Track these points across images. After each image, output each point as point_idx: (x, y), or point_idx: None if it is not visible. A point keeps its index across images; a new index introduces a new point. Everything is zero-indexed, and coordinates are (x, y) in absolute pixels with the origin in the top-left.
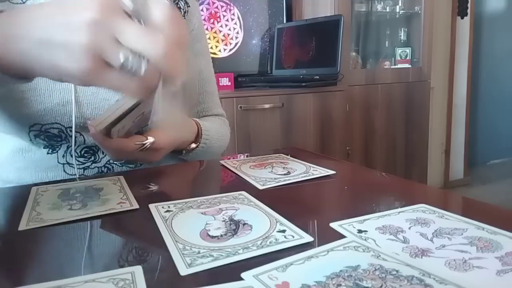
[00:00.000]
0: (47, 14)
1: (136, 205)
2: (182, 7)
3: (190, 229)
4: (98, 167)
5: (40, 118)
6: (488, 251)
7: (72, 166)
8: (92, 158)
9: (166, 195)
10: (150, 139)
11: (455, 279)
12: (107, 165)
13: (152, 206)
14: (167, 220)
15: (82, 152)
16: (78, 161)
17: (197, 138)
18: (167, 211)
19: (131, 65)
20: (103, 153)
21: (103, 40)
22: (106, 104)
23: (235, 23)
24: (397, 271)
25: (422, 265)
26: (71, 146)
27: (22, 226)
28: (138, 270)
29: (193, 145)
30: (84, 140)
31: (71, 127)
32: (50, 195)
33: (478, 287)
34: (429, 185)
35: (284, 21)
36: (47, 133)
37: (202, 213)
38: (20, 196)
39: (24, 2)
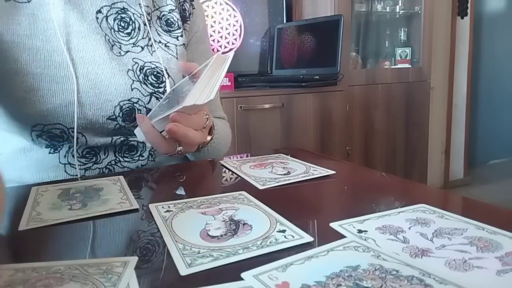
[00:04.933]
0: None
1: (136, 205)
2: (187, 8)
3: (190, 229)
4: (99, 168)
5: (43, 118)
6: (488, 251)
7: (73, 167)
8: (94, 159)
9: (166, 195)
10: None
11: (455, 279)
12: (108, 166)
13: (152, 206)
14: (167, 220)
15: (84, 153)
16: (80, 161)
17: (211, 129)
18: (167, 211)
19: None
20: (104, 154)
21: None
22: (108, 105)
23: (235, 23)
24: (397, 271)
25: (422, 265)
26: (73, 146)
27: (22, 226)
28: (132, 261)
29: (209, 137)
30: (86, 141)
31: (73, 128)
32: (50, 195)
33: (478, 287)
34: (429, 185)
35: (284, 21)
36: (49, 133)
37: (202, 213)
38: (20, 196)
39: (29, 1)
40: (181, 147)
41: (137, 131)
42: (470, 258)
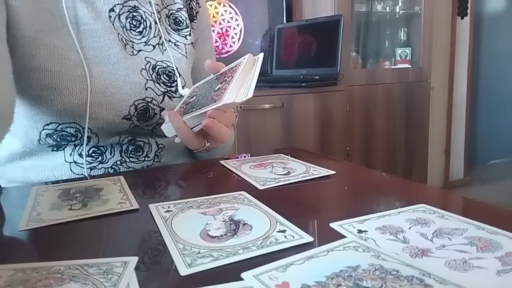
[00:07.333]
0: None
1: (136, 205)
2: (194, 7)
3: (190, 229)
4: (105, 168)
5: (58, 117)
6: (488, 251)
7: (79, 166)
8: (100, 159)
9: (166, 195)
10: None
11: (455, 279)
12: (114, 166)
13: (152, 206)
14: (167, 220)
15: (90, 152)
16: (86, 160)
17: None
18: (167, 211)
19: None
20: (111, 153)
21: None
22: (124, 105)
23: (236, 25)
24: (397, 271)
25: (422, 265)
26: (80, 145)
27: (22, 226)
28: (132, 263)
29: None
30: (98, 140)
31: (89, 127)
32: (50, 195)
33: (478, 287)
34: (429, 185)
35: (284, 21)
36: (62, 132)
37: (202, 213)
38: (21, 196)
39: None
40: (209, 143)
41: (165, 127)
42: (470, 258)
